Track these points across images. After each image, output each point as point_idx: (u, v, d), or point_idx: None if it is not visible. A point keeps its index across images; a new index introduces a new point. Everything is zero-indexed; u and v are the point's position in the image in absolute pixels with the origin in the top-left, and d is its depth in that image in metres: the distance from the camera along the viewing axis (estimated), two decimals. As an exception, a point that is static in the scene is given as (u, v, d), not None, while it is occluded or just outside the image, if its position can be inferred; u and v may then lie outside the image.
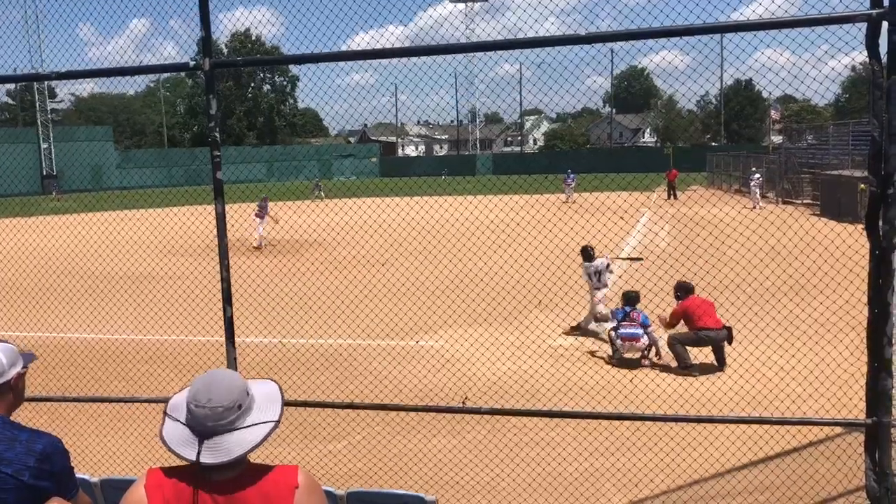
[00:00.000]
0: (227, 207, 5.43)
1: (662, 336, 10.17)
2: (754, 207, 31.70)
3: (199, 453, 2.12)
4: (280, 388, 2.38)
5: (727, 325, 9.72)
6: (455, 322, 11.92)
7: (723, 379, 8.34)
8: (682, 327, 10.00)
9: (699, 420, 5.42)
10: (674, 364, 9.84)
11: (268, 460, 2.42)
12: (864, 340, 4.56)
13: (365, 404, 6.06)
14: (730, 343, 9.74)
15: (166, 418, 2.22)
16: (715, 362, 9.79)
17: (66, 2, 6.81)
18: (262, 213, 23.88)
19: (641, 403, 8.13)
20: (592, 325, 11.69)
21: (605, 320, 11.24)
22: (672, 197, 37.77)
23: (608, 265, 12.02)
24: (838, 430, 6.25)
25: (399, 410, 6.14)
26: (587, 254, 11.92)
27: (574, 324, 11.82)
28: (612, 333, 10.34)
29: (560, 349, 10.83)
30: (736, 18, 4.78)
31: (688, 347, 9.80)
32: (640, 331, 10.17)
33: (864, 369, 4.59)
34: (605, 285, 11.82)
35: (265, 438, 2.19)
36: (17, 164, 59.82)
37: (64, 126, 71.76)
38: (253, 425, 2.19)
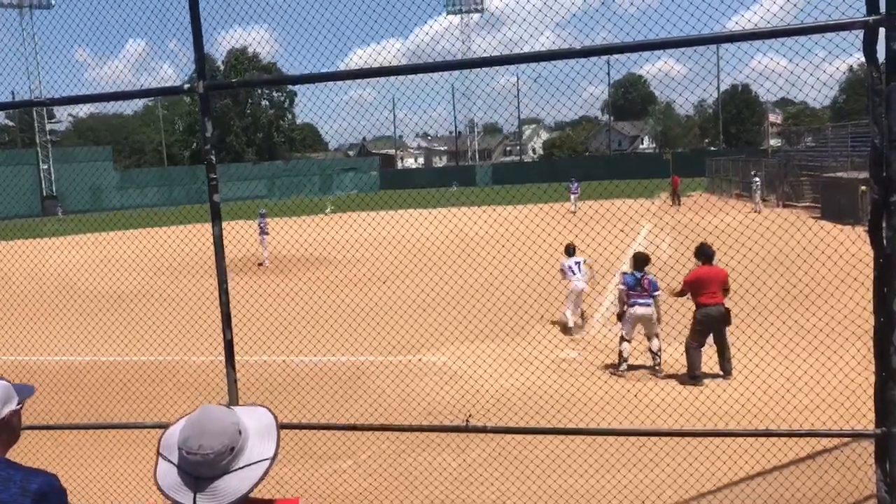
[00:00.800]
0: (228, 225, 5.40)
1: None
2: (759, 211, 31.49)
3: (195, 499, 2.07)
4: (274, 417, 2.31)
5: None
6: (458, 337, 11.86)
7: (728, 391, 8.27)
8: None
9: (706, 434, 5.37)
10: (682, 371, 9.79)
11: (274, 480, 2.37)
12: (871, 349, 4.50)
13: (367, 426, 6.01)
14: (728, 324, 9.79)
15: (160, 458, 2.17)
16: (720, 371, 9.75)
17: (63, 25, 6.81)
18: (265, 230, 23.95)
19: (648, 417, 8.06)
20: (569, 314, 12.61)
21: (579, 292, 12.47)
22: (676, 203, 37.68)
23: (585, 260, 12.78)
24: (848, 439, 6.18)
25: (402, 431, 6.09)
26: (569, 250, 12.78)
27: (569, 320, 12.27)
28: (624, 344, 10.35)
29: (564, 362, 10.77)
30: (732, 26, 4.75)
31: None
32: (651, 301, 10.28)
33: (872, 378, 4.53)
34: (581, 279, 12.70)
35: (262, 478, 2.14)
36: (17, 185, 59.93)
37: (63, 147, 71.93)
38: (248, 465, 2.13)
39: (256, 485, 2.13)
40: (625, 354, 10.31)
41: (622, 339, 10.41)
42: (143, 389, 10.53)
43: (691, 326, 9.82)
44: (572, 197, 37.65)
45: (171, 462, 2.14)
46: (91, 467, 7.15)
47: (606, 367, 10.50)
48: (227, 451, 2.09)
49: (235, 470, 2.11)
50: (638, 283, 10.32)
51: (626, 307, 10.36)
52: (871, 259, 4.46)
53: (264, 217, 24.21)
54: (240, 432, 2.15)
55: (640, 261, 10.55)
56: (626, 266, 11.21)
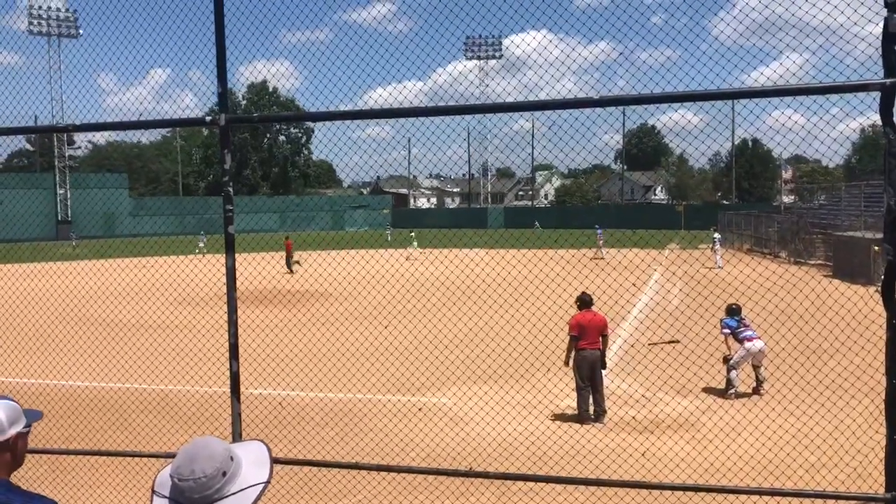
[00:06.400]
0: (240, 257, 5.43)
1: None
2: (720, 267, 30.81)
3: None
4: (268, 448, 2.30)
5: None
6: (463, 379, 11.79)
7: (732, 448, 8.16)
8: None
9: (711, 490, 5.28)
10: (684, 424, 9.69)
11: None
12: (883, 410, 4.44)
13: (369, 465, 5.93)
14: (603, 367, 10.42)
15: (154, 496, 2.15)
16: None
17: (89, 51, 6.95)
18: None
19: (652, 470, 7.95)
20: (735, 375, 12.17)
21: None
22: (288, 269, 33.32)
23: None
24: (857, 502, 6.07)
25: (404, 473, 6.01)
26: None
27: None
28: (732, 372, 11.19)
29: (569, 409, 10.66)
30: (750, 82, 4.79)
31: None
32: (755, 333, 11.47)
33: (880, 438, 4.46)
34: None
35: (255, 502, 2.12)
36: (32, 209, 60.65)
37: (80, 173, 72.79)
38: (241, 490, 2.11)
39: None
40: (735, 382, 11.22)
41: (730, 368, 11.26)
42: (145, 419, 10.47)
43: (574, 369, 10.35)
44: (600, 242, 37.37)
45: (165, 497, 2.12)
46: (87, 494, 7.10)
47: (629, 417, 10.37)
48: (219, 475, 2.08)
49: (228, 496, 2.09)
50: (740, 325, 11.44)
51: (740, 345, 11.33)
52: (880, 315, 4.43)
53: None
54: (232, 458, 2.14)
55: (735, 310, 11.67)
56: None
